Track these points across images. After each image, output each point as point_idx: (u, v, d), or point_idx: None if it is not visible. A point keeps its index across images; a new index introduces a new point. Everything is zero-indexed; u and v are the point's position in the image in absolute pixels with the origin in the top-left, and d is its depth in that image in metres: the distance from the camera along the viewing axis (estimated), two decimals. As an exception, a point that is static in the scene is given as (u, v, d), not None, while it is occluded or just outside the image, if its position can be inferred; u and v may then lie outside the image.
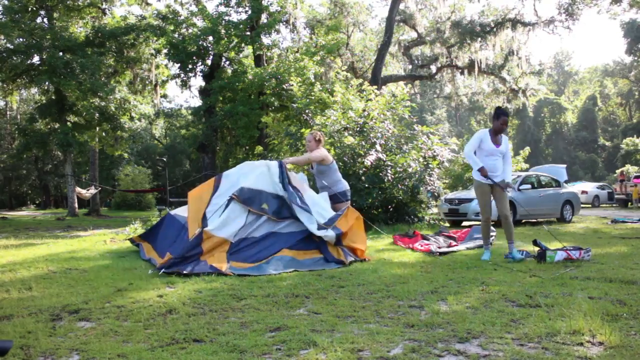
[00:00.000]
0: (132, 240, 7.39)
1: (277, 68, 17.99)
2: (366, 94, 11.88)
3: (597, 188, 24.44)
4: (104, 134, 22.87)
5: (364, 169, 10.24)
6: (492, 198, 5.97)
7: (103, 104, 20.73)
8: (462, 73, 22.72)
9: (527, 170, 18.99)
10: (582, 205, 15.79)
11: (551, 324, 2.98)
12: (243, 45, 20.36)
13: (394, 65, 24.01)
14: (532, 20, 20.65)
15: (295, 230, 5.72)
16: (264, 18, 19.91)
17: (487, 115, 52.54)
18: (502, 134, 5.94)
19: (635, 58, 41.49)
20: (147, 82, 24.18)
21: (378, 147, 10.36)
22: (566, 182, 20.23)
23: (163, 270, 4.98)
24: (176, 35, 20.51)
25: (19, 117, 36.15)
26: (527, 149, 22.13)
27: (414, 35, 22.59)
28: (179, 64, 21.37)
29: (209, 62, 21.51)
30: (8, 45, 19.77)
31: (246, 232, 5.56)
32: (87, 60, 19.02)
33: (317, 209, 5.91)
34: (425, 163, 11.07)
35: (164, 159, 31.27)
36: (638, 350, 2.51)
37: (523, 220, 12.13)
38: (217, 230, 5.38)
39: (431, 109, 50.41)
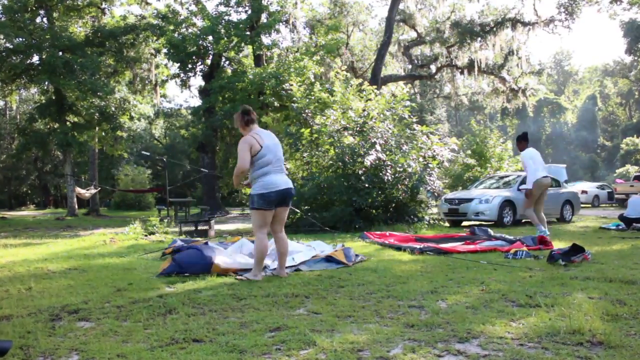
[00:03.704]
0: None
1: (277, 68, 17.98)
2: (366, 94, 11.88)
3: (597, 188, 24.39)
4: (103, 134, 22.86)
5: (363, 169, 10.24)
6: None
7: (103, 103, 20.72)
8: (462, 73, 22.71)
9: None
10: (582, 205, 15.80)
11: (551, 324, 2.98)
12: (243, 45, 20.37)
13: (393, 65, 24.00)
14: (532, 20, 20.66)
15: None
16: (264, 18, 19.92)
17: (487, 115, 52.52)
18: None
19: (635, 58, 41.41)
20: (146, 82, 24.19)
21: (378, 147, 10.36)
22: (566, 182, 20.22)
23: (166, 271, 4.95)
24: (176, 35, 20.51)
25: (18, 117, 36.09)
26: (527, 149, 22.05)
27: (413, 35, 22.59)
28: (178, 64, 21.40)
29: (208, 61, 21.51)
30: (8, 45, 19.76)
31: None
32: (86, 60, 19.01)
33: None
34: (425, 163, 11.07)
35: (164, 159, 31.24)
36: (638, 350, 2.51)
37: (523, 220, 12.13)
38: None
39: (431, 109, 50.22)
